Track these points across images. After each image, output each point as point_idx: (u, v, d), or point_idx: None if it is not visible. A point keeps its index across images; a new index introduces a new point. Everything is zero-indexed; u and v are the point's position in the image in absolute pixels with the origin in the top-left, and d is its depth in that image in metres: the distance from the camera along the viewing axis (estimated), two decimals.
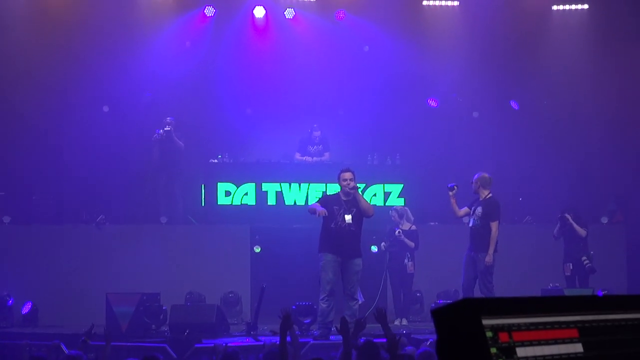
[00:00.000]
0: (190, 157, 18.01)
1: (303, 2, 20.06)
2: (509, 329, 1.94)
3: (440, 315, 1.91)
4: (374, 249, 16.64)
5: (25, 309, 15.46)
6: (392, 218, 16.14)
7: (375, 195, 17.43)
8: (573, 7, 20.32)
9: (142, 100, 18.85)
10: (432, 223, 17.36)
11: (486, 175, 14.19)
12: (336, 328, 10.11)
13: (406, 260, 15.89)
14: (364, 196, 16.47)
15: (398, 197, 17.48)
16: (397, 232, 15.91)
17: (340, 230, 13.13)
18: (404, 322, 15.81)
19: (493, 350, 1.88)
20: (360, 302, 13.67)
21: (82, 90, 18.45)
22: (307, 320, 14.03)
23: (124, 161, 18.15)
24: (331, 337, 13.08)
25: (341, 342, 12.19)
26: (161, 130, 17.47)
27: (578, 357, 2.06)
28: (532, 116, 19.81)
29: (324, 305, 13.15)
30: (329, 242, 13.17)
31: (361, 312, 13.67)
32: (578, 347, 2.07)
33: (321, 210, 13.07)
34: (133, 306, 13.93)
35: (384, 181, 17.55)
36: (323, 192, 16.42)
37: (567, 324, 2.07)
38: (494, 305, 1.94)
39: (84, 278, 15.82)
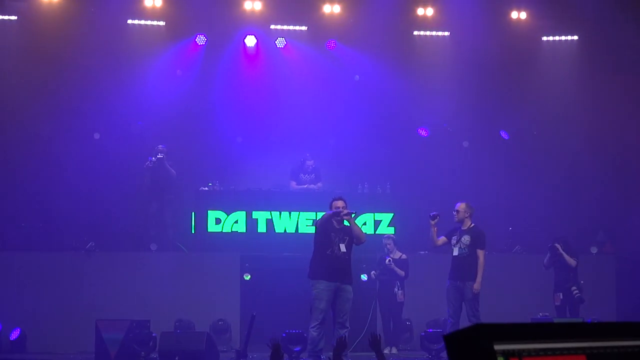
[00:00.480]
0: (181, 185, 18.04)
1: (294, 31, 20.14)
2: (519, 354, 1.97)
3: (453, 340, 1.93)
4: (364, 277, 16.64)
5: (14, 335, 15.42)
6: (387, 246, 16.16)
7: (365, 224, 17.44)
8: (563, 38, 20.46)
9: (134, 128, 18.86)
10: (422, 252, 17.37)
11: (470, 204, 14.27)
12: (328, 357, 10.09)
13: (396, 289, 15.90)
14: None
15: (388, 225, 17.51)
16: (387, 260, 15.93)
17: (336, 258, 13.11)
18: (394, 350, 15.82)
19: None
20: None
21: (73, 117, 18.49)
22: (297, 349, 14.03)
23: (114, 189, 18.12)
24: None
25: None
26: (153, 158, 17.49)
27: None
28: (522, 146, 19.92)
29: (315, 334, 13.10)
30: (324, 269, 13.10)
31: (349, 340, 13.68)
32: None
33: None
34: (122, 333, 13.87)
35: (374, 210, 17.57)
36: (314, 220, 16.40)
37: (576, 350, 2.10)
38: (505, 330, 1.96)
39: (73, 305, 15.78)
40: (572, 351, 2.08)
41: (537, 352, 2.00)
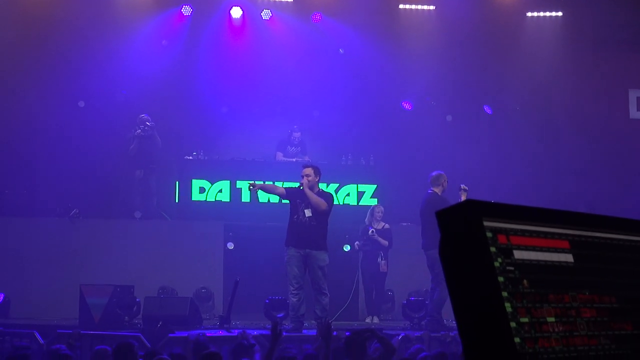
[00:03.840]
0: (165, 154, 18.08)
1: (280, 3, 20.18)
2: (507, 232, 2.05)
3: (444, 215, 2.01)
4: (347, 248, 16.75)
5: None
6: (378, 214, 16.21)
7: (348, 194, 17.56)
8: (547, 14, 20.55)
9: (118, 97, 18.87)
10: (404, 223, 17.47)
11: (442, 174, 14.25)
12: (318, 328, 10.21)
13: (379, 259, 15.99)
14: (338, 195, 16.76)
15: (371, 197, 17.62)
16: (370, 231, 16.02)
17: (301, 224, 13.35)
18: (375, 320, 15.93)
19: (492, 249, 1.99)
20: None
21: (57, 85, 18.49)
22: (280, 315, 14.13)
23: (98, 156, 18.16)
24: (304, 331, 13.19)
25: (313, 335, 12.36)
26: (142, 127, 17.49)
27: (569, 266, 2.17)
28: (505, 121, 20.00)
29: (294, 299, 13.31)
30: (292, 236, 13.43)
31: (331, 309, 13.84)
32: (569, 257, 2.18)
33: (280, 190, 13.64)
34: (106, 298, 13.88)
35: (357, 181, 17.67)
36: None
37: (560, 235, 2.18)
38: (495, 209, 2.05)
39: (58, 270, 15.81)
40: (557, 236, 2.17)
41: (524, 232, 2.08)
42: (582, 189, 19.22)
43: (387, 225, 16.24)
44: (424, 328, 13.76)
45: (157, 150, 17.79)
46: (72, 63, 18.56)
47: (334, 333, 9.60)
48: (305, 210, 13.36)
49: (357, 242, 16.24)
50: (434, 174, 14.20)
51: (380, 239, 15.98)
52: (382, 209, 16.34)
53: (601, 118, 19.92)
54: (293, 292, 13.31)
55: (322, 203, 13.43)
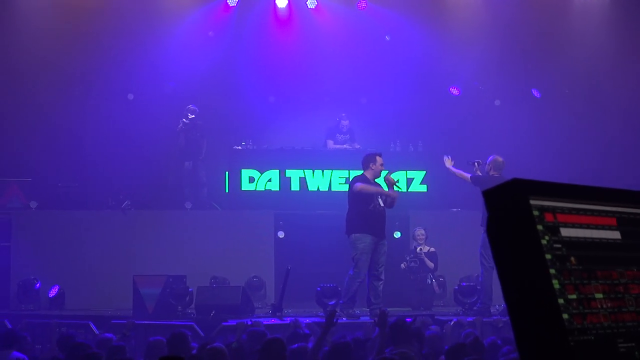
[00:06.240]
0: (214, 144, 18.18)
1: None
2: (553, 210, 2.07)
3: (491, 194, 2.03)
4: (398, 235, 16.76)
5: (52, 293, 15.61)
6: (418, 237, 16.21)
7: (398, 181, 17.53)
8: None
9: (166, 89, 19.02)
10: (454, 209, 17.44)
11: (499, 158, 14.37)
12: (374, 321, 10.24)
13: (429, 281, 15.96)
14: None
15: (421, 183, 17.61)
16: (418, 249, 16.05)
17: (377, 213, 13.55)
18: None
19: (539, 227, 2.01)
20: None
21: (106, 78, 18.69)
22: (332, 302, 14.16)
23: (148, 147, 18.33)
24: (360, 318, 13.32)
25: (364, 322, 12.42)
26: (185, 119, 17.64)
27: (616, 243, 2.19)
28: (554, 104, 19.86)
29: (355, 287, 13.45)
30: (368, 224, 13.49)
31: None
32: (616, 235, 2.20)
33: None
34: (159, 288, 14.03)
35: (406, 168, 17.65)
36: (346, 178, 16.52)
37: (607, 213, 2.20)
38: (541, 187, 2.07)
39: (110, 262, 15.96)
40: (604, 213, 2.18)
41: (570, 210, 2.10)
42: (631, 173, 19.01)
43: (432, 249, 16.23)
44: (476, 313, 13.76)
45: (204, 140, 17.91)
46: (119, 56, 18.73)
47: (394, 319, 9.64)
48: (380, 200, 13.54)
49: (403, 263, 16.18)
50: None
51: (426, 260, 15.98)
52: (423, 231, 16.30)
53: None
54: (358, 279, 13.43)
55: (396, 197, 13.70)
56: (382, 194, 13.55)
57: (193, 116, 17.67)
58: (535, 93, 19.85)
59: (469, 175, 14.43)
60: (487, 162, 14.41)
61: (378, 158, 13.83)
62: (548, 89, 19.90)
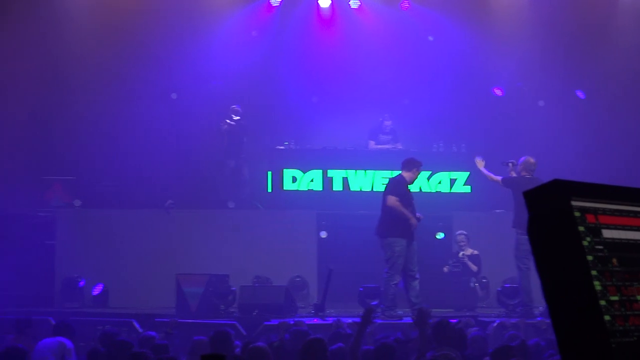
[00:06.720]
0: (257, 144, 18.23)
1: None
2: (595, 211, 2.06)
3: (532, 195, 2.03)
4: (440, 235, 16.72)
5: (96, 291, 15.74)
6: (461, 242, 16.16)
7: (440, 182, 17.52)
8: None
9: (209, 88, 19.10)
10: (497, 210, 17.35)
11: (531, 159, 14.33)
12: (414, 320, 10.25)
13: (472, 284, 15.90)
14: (430, 183, 17.02)
15: (464, 184, 17.55)
16: (460, 254, 16.00)
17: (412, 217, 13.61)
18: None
19: (581, 228, 2.01)
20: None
21: (150, 78, 18.77)
22: (374, 302, 14.15)
23: (192, 147, 18.42)
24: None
25: (405, 323, 12.41)
26: (229, 120, 17.70)
27: None
28: (598, 105, 19.68)
29: (395, 289, 13.53)
30: (404, 228, 13.61)
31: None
32: None
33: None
34: (202, 287, 14.08)
35: (449, 169, 17.61)
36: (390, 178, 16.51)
37: None
38: (582, 189, 2.06)
39: (154, 260, 16.03)
40: None
41: (613, 211, 2.09)
42: None
43: (475, 252, 16.17)
44: (519, 315, 13.70)
45: (249, 140, 17.96)
46: (163, 56, 18.85)
47: (437, 319, 9.63)
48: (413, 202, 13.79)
49: (445, 267, 16.13)
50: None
51: (470, 264, 15.92)
52: (464, 235, 16.23)
53: None
54: (394, 282, 13.55)
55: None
56: (411, 223, 13.62)
57: (238, 117, 17.74)
58: (580, 94, 19.70)
59: (500, 178, 14.45)
60: (519, 163, 14.39)
61: (420, 167, 13.97)
62: (592, 89, 19.74)
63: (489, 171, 14.83)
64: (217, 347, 8.91)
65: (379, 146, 17.99)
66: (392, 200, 13.62)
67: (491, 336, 11.57)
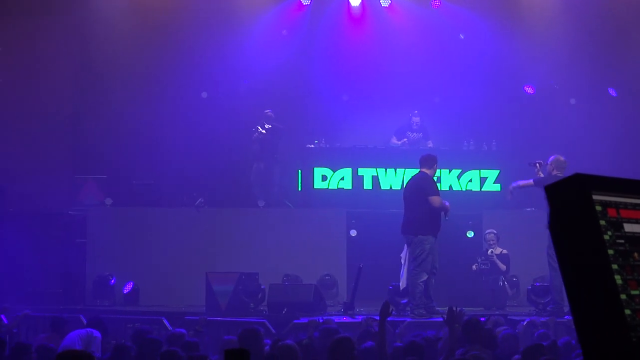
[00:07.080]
0: (287, 143, 18.25)
1: None
2: (616, 205, 2.05)
3: (553, 190, 2.02)
4: (471, 234, 16.67)
5: (127, 289, 15.82)
6: (490, 241, 16.10)
7: (471, 180, 17.46)
8: None
9: (240, 87, 19.15)
10: (528, 209, 17.27)
11: (561, 157, 14.27)
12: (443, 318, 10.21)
13: (501, 283, 15.83)
14: (460, 181, 17.02)
15: (494, 182, 17.49)
16: (489, 251, 15.93)
17: (440, 215, 13.78)
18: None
19: (602, 222, 2.00)
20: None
21: (181, 77, 18.88)
22: (404, 301, 14.14)
23: (222, 146, 18.48)
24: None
25: (434, 321, 12.39)
26: (261, 128, 17.72)
27: None
28: (630, 103, 19.56)
29: (423, 286, 13.53)
30: (435, 225, 13.75)
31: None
32: None
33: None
34: (232, 285, 14.12)
35: (480, 167, 17.55)
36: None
37: None
38: (604, 182, 2.05)
39: (184, 259, 16.07)
40: None
41: (635, 206, 2.08)
42: None
43: (504, 251, 16.08)
44: (549, 314, 13.64)
45: (279, 141, 18.00)
46: (193, 55, 18.92)
47: (466, 317, 9.62)
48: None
49: (474, 265, 16.07)
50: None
51: (498, 262, 15.85)
52: (494, 234, 16.16)
53: None
54: (422, 279, 13.60)
55: None
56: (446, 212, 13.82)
57: (269, 126, 17.75)
58: (612, 92, 19.58)
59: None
60: (549, 162, 14.33)
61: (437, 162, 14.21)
62: (624, 87, 19.62)
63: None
64: (246, 345, 8.92)
65: (402, 141, 17.98)
66: (438, 200, 13.71)
67: (521, 335, 11.52)
